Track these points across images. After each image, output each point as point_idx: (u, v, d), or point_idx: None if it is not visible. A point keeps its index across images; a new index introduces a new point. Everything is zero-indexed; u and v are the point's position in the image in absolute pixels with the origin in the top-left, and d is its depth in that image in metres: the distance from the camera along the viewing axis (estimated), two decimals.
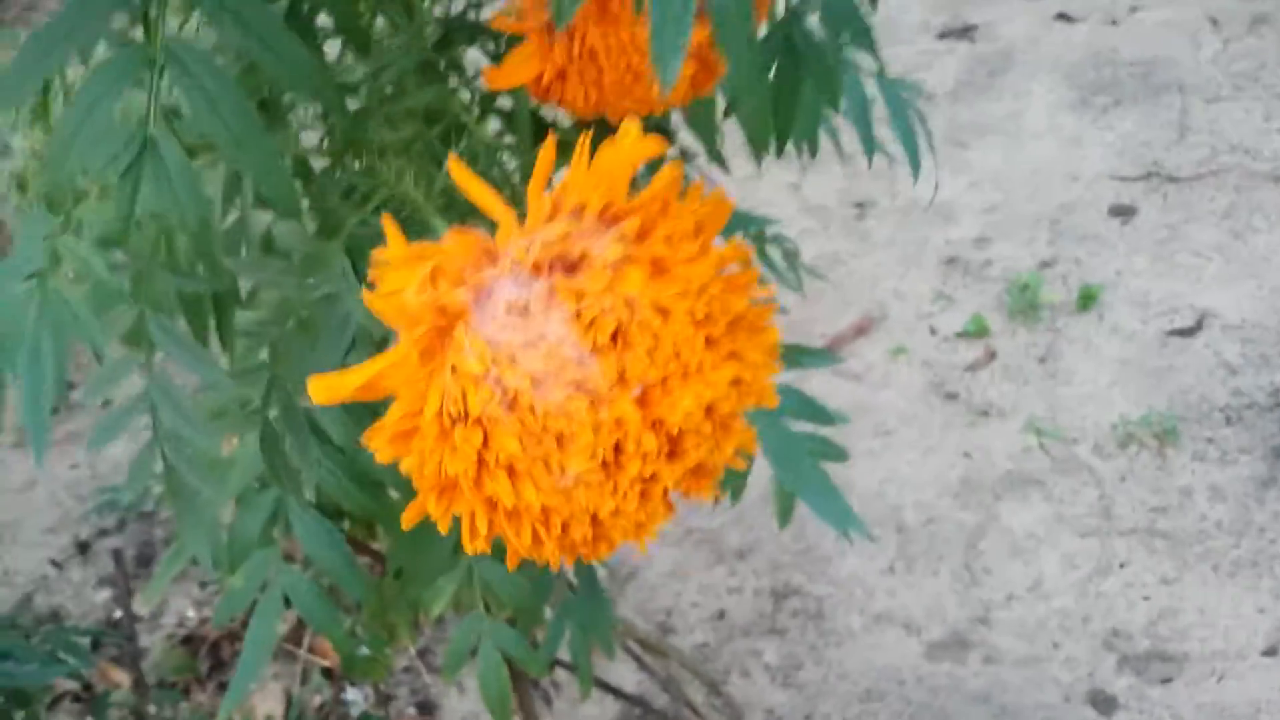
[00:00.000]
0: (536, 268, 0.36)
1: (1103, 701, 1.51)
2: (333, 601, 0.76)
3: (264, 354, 0.59)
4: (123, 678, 1.46)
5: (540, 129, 0.55)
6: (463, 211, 0.51)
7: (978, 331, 1.93)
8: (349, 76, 0.54)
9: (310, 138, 0.68)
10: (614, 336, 0.36)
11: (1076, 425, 1.79)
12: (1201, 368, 1.83)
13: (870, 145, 0.77)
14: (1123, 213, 2.08)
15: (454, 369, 0.36)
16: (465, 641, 0.81)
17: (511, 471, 0.37)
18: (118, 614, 1.60)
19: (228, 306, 0.78)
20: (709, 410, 0.39)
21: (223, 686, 1.53)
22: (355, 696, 1.51)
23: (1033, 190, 2.14)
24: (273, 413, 0.53)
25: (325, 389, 0.37)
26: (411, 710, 1.51)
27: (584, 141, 0.37)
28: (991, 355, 1.90)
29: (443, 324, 0.36)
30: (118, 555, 0.92)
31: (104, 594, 1.66)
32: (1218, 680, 1.51)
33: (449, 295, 0.36)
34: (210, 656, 1.56)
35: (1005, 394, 1.85)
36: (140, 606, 1.56)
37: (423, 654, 1.55)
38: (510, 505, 0.38)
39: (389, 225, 0.36)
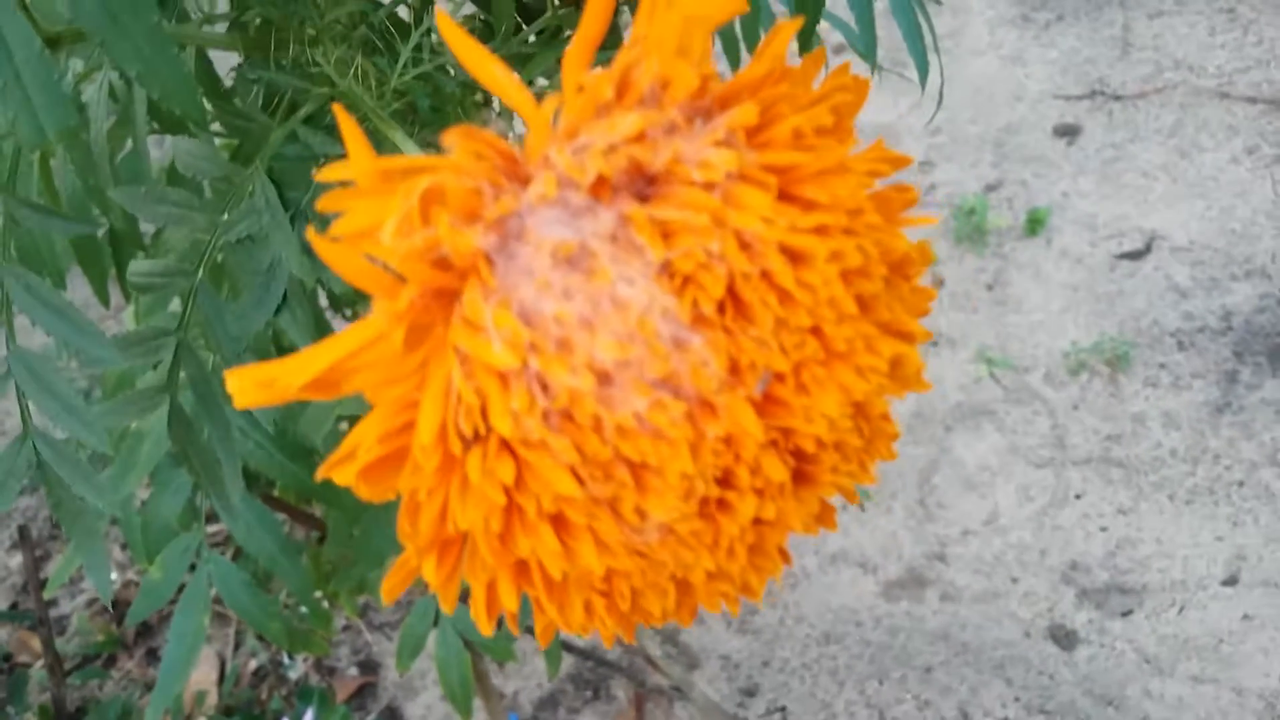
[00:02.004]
0: (598, 188, 0.22)
1: (1063, 636, 1.48)
2: (265, 591, 0.67)
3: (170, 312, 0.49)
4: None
5: (523, 9, 0.45)
6: (425, 124, 0.41)
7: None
8: None
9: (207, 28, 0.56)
10: (723, 301, 0.23)
11: (1027, 353, 1.74)
12: (1152, 291, 1.79)
13: (872, 45, 0.67)
14: (1067, 133, 2.02)
15: (465, 358, 0.23)
16: (421, 625, 0.73)
17: (560, 522, 0.24)
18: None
19: (128, 251, 0.67)
20: (858, 411, 0.26)
21: (151, 653, 1.43)
22: (281, 657, 1.42)
23: (975, 111, 2.07)
24: (182, 390, 0.42)
25: (252, 387, 0.23)
26: (353, 670, 1.42)
27: None
28: (939, 283, 1.84)
29: (444, 284, 0.23)
30: (23, 530, 0.82)
31: (18, 558, 1.54)
32: (1179, 611, 1.48)
33: (455, 237, 0.22)
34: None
35: (954, 323, 1.79)
36: (73, 599, 1.45)
37: (363, 611, 1.46)
38: (557, 574, 0.25)
39: (346, 124, 0.22)
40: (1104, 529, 1.56)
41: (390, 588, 0.27)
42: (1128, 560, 1.53)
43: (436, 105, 0.41)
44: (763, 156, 0.24)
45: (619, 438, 0.23)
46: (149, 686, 1.37)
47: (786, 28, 0.25)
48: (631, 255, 0.23)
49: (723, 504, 0.26)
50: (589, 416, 0.23)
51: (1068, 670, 1.45)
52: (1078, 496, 1.59)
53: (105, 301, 0.66)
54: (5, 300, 0.37)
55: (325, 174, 0.22)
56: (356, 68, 0.39)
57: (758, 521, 0.27)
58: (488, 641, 0.76)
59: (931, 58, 0.82)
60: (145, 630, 1.46)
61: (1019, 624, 1.49)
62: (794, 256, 0.24)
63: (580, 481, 0.24)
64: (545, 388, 0.23)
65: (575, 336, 0.22)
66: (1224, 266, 1.80)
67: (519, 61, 0.44)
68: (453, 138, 0.23)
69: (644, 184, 0.23)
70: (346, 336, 0.23)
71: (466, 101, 0.43)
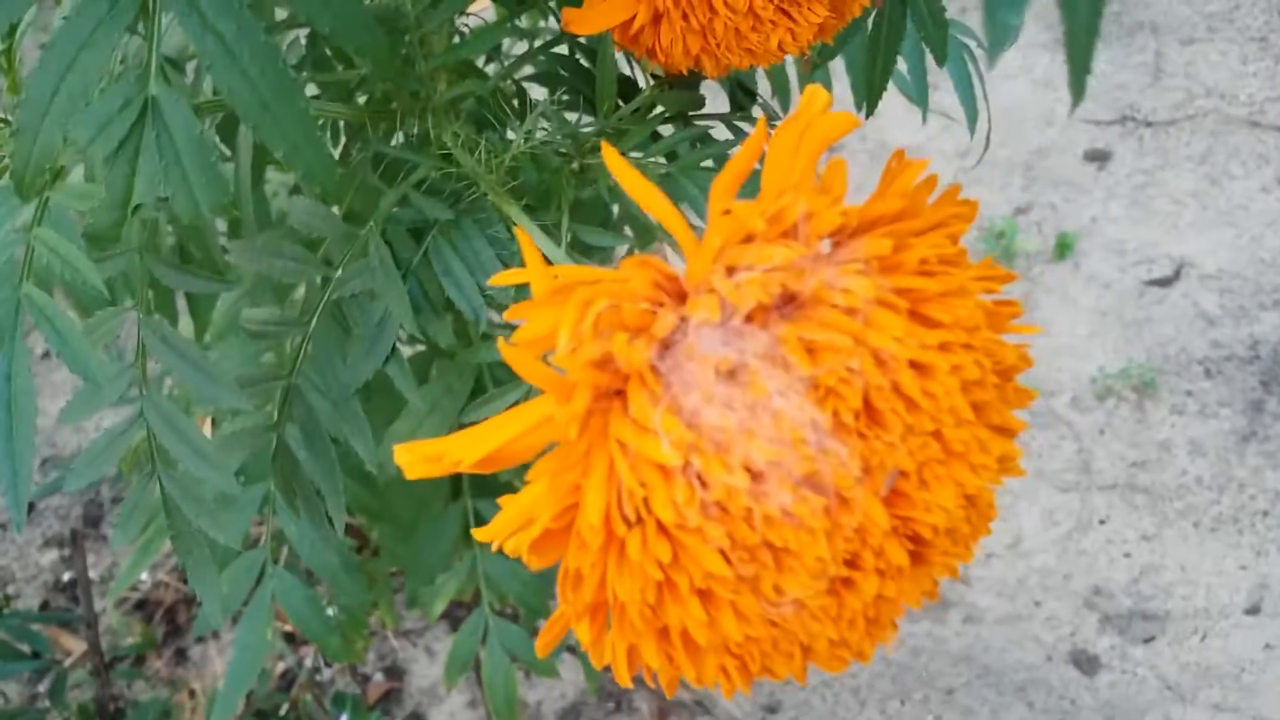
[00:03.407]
0: (756, 314, 0.25)
1: (1085, 661, 1.48)
2: (323, 607, 0.69)
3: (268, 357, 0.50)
4: (74, 644, 1.37)
5: (623, 86, 0.46)
6: (528, 193, 0.42)
7: None
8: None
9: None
10: (859, 410, 0.26)
11: (1054, 378, 1.75)
12: (1180, 319, 1.79)
13: (924, 94, 0.69)
14: (1098, 158, 2.03)
15: (631, 453, 0.26)
16: (470, 642, 0.75)
17: (707, 596, 0.27)
18: (66, 575, 1.50)
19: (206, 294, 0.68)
20: (969, 502, 0.29)
21: (179, 653, 1.44)
22: (316, 662, 1.43)
23: (1006, 134, 2.07)
24: (289, 430, 0.44)
25: (421, 460, 0.26)
26: (380, 676, 1.43)
27: (804, 113, 0.26)
28: None
29: (610, 385, 0.26)
30: (74, 535, 0.83)
31: (50, 555, 1.56)
32: (1201, 639, 1.49)
33: (629, 351, 0.25)
34: (166, 621, 1.47)
35: None
36: (104, 598, 1.46)
37: None
38: (702, 641, 0.28)
39: (525, 241, 0.26)
40: (1128, 555, 1.57)
41: (544, 644, 0.31)
42: (1151, 587, 1.53)
43: (542, 178, 0.43)
44: (894, 281, 0.27)
45: (765, 526, 0.26)
46: (178, 686, 1.38)
47: (911, 168, 0.29)
48: (783, 370, 0.26)
49: (849, 583, 0.29)
50: (741, 508, 0.26)
51: (1089, 695, 1.46)
52: (1102, 522, 1.60)
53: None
54: (141, 349, 0.39)
55: (499, 280, 0.25)
56: (474, 144, 0.41)
57: (878, 598, 0.30)
58: (533, 657, 0.77)
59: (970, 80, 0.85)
60: (174, 631, 1.47)
61: (1041, 648, 1.50)
62: (921, 370, 0.27)
63: (728, 563, 0.27)
64: (704, 483, 0.26)
65: (734, 440, 0.25)
66: (1253, 295, 1.80)
67: (615, 136, 0.46)
68: (629, 265, 0.26)
69: (790, 305, 0.26)
70: (513, 420, 0.26)
71: (565, 172, 0.45)
